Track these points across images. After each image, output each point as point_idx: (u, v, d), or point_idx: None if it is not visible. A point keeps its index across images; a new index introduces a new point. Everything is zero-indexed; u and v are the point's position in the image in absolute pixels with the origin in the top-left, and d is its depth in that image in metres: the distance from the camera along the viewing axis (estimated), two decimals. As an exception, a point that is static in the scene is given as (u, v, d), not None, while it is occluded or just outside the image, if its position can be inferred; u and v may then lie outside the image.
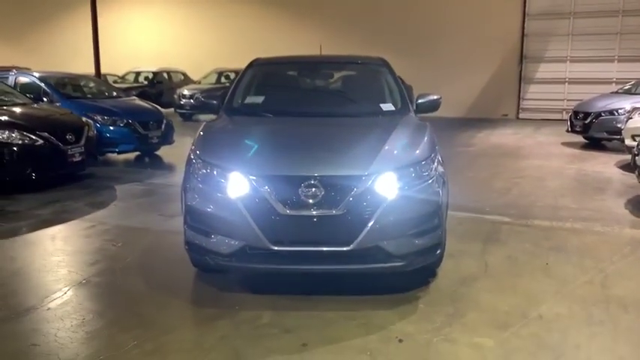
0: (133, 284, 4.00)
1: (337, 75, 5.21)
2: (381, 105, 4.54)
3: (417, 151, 3.66)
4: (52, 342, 3.16)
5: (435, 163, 3.69)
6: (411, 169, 3.50)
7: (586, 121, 11.20)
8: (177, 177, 7.93)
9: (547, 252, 4.71)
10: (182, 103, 16.64)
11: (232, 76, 18.51)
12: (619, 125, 10.58)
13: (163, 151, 10.09)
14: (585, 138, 11.85)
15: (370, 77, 4.99)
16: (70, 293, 3.84)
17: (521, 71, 18.47)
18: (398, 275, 3.87)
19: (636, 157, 6.08)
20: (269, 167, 3.43)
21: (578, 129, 11.48)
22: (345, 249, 3.33)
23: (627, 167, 8.95)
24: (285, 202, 3.32)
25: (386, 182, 3.38)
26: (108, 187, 7.26)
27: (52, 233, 5.25)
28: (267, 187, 3.35)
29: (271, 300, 3.67)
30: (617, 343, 3.11)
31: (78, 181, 7.47)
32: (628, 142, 8.58)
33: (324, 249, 3.37)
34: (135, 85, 18.46)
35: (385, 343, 3.10)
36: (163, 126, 9.35)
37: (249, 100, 4.71)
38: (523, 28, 18.14)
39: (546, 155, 10.53)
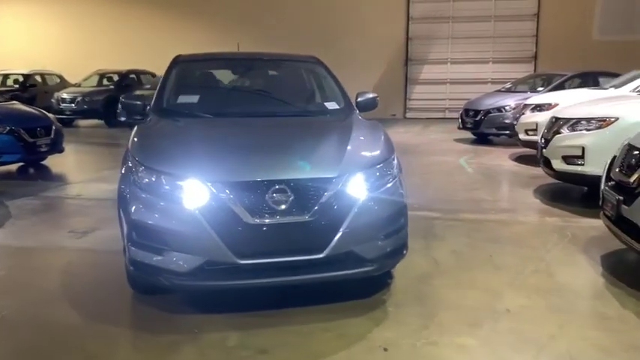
0: (63, 315, 3.45)
1: (272, 73, 4.96)
2: (326, 104, 4.38)
3: (380, 151, 3.54)
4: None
5: (396, 162, 3.60)
6: (377, 169, 3.38)
7: (476, 119, 11.90)
8: (76, 189, 7.19)
9: (485, 244, 4.83)
10: (61, 107, 15.24)
11: (115, 78, 17.38)
12: (506, 121, 11.41)
13: (50, 161, 9.09)
14: (474, 134, 12.60)
15: (308, 75, 4.81)
16: (-17, 333, 3.22)
17: (406, 73, 19.30)
18: (356, 280, 3.72)
19: (543, 150, 6.48)
20: (231, 172, 3.10)
21: (469, 126, 12.18)
22: (318, 257, 3.11)
23: (520, 160, 9.65)
24: (252, 210, 3.03)
25: (355, 184, 3.22)
26: (-3, 204, 6.35)
27: (-61, 262, 4.44)
28: (230, 195, 3.03)
29: (232, 319, 3.34)
30: (587, 329, 3.21)
31: (-44, 199, 6.46)
32: (522, 136, 9.21)
33: (296, 258, 3.12)
34: (3, 89, 16.55)
35: (371, 354, 2.94)
36: (52, 133, 8.41)
37: (182, 100, 4.29)
38: (407, 31, 18.98)
39: (444, 151, 11.02)
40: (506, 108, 11.51)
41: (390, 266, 3.43)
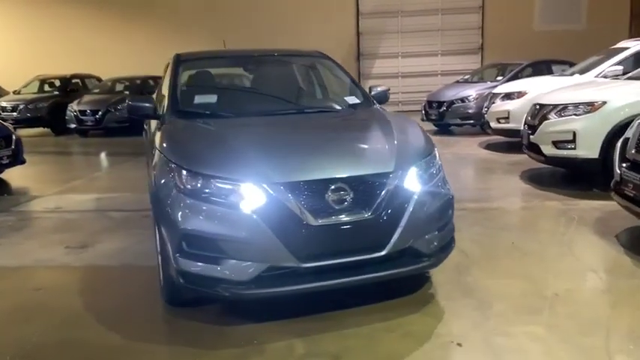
0: (100, 336, 3.17)
1: (283, 69, 4.77)
2: (345, 98, 4.27)
3: (425, 143, 3.48)
4: None
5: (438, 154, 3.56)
6: (426, 162, 3.32)
7: (440, 110, 12.09)
8: (51, 202, 6.69)
9: (500, 232, 4.87)
10: (2, 116, 14.24)
11: (58, 83, 16.49)
12: (470, 111, 11.69)
13: (8, 174, 8.42)
14: (436, 125, 12.81)
15: (320, 70, 4.69)
16: (15, 365, 2.91)
17: (359, 68, 19.39)
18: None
19: (530, 137, 6.63)
20: (287, 172, 2.94)
21: (433, 117, 12.35)
22: (379, 255, 3.02)
23: (490, 147, 9.90)
24: (312, 211, 2.89)
25: (410, 177, 3.14)
26: (-31, 223, 5.82)
27: None
28: (289, 196, 2.87)
29: (286, 326, 3.18)
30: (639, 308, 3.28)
31: None
32: (493, 124, 9.43)
33: (358, 258, 3.00)
34: None
35: (446, 351, 2.87)
36: (13, 143, 7.83)
37: (200, 100, 4.06)
38: (358, 26, 19.07)
39: (414, 144, 11.09)
40: (469, 98, 11.76)
41: (443, 260, 3.36)
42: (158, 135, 3.57)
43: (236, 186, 2.91)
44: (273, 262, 2.88)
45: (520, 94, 9.01)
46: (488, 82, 12.32)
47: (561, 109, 6.28)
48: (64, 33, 19.14)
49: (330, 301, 3.39)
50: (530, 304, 3.37)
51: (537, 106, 6.76)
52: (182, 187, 3.01)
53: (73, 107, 14.23)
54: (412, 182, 3.14)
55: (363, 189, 2.99)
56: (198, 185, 2.97)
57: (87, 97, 14.67)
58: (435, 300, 3.48)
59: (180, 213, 2.96)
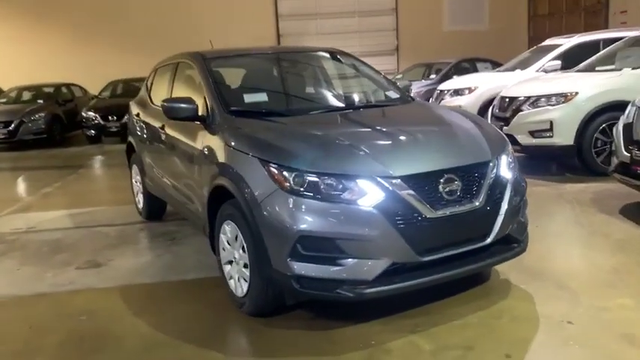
0: (201, 357, 2.89)
1: (316, 66, 4.62)
2: (386, 92, 4.25)
3: (500, 133, 3.56)
4: None
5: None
6: (509, 149, 3.40)
7: (380, 108, 12.38)
8: (16, 222, 5.97)
9: (516, 218, 5.08)
10: None
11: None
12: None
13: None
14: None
15: (351, 67, 4.63)
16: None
17: (280, 70, 19.31)
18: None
19: (504, 128, 6.98)
20: (401, 165, 2.87)
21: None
22: (485, 243, 3.04)
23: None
24: (429, 202, 2.85)
25: (503, 165, 3.21)
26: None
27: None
28: (406, 189, 2.81)
29: (392, 324, 3.08)
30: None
31: None
32: (445, 120, 9.81)
33: (468, 248, 3.01)
34: None
35: (563, 330, 2.95)
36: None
37: (250, 99, 3.83)
38: (278, 28, 19.00)
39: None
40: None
41: (527, 244, 3.43)
42: (225, 136, 3.32)
43: (352, 182, 2.79)
44: (395, 257, 2.80)
45: (470, 90, 9.47)
46: (423, 81, 12.85)
47: (534, 100, 6.69)
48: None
49: (412, 296, 3.32)
50: (601, 279, 3.57)
51: (507, 99, 7.15)
52: (289, 187, 2.83)
53: (-20, 119, 12.85)
54: (505, 170, 3.20)
55: (470, 178, 3.01)
56: (309, 184, 2.81)
57: (-1, 107, 13.34)
58: (514, 285, 3.56)
59: (291, 215, 2.79)
